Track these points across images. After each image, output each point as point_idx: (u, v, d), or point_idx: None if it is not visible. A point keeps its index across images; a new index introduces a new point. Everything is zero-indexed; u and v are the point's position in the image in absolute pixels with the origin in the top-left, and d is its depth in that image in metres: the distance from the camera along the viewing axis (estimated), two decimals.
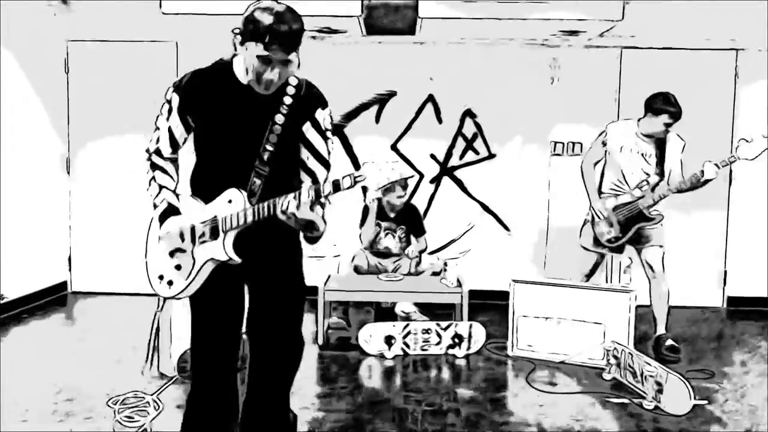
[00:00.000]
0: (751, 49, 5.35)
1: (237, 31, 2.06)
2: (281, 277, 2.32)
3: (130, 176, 5.44)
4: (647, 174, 4.13)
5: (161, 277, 2.27)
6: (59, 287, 5.54)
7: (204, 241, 2.18)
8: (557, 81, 5.46)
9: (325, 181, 2.04)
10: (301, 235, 2.26)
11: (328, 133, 2.26)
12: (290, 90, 2.16)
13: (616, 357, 3.68)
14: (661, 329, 4.17)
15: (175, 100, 2.20)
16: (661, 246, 4.15)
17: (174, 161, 2.33)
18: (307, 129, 2.15)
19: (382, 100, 5.55)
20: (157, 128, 2.27)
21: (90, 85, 5.49)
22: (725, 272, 5.53)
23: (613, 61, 5.39)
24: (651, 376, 3.30)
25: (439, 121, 5.57)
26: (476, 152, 5.60)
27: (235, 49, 2.11)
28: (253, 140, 2.15)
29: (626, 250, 4.27)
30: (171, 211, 2.24)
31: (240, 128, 2.16)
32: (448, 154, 5.61)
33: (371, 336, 4.07)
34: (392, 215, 4.86)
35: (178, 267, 2.23)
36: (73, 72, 5.53)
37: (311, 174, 2.24)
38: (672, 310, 4.23)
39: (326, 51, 5.34)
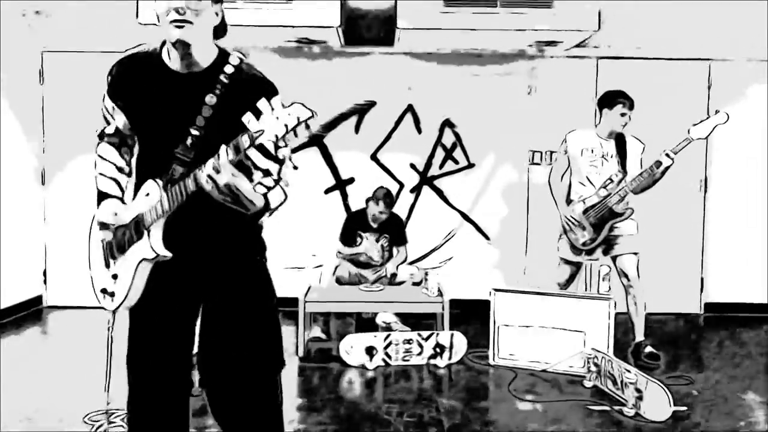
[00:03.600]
0: (724, 60, 5.45)
1: None
2: (244, 294, 2.03)
3: None
4: (610, 173, 4.19)
5: (104, 291, 2.04)
6: (34, 301, 5.45)
7: (133, 242, 1.95)
8: (535, 91, 5.51)
9: (241, 137, 1.68)
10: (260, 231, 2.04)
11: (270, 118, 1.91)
12: (223, 76, 1.90)
13: (596, 364, 3.70)
14: (639, 336, 4.20)
15: (108, 82, 2.06)
16: (635, 253, 4.19)
17: (118, 146, 2.14)
18: (248, 119, 1.71)
19: (361, 110, 5.56)
20: (102, 112, 2.14)
21: (65, 95, 5.42)
22: (702, 279, 5.60)
23: (590, 70, 5.46)
24: (631, 383, 3.32)
25: (419, 131, 5.59)
26: (455, 162, 5.62)
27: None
28: (180, 127, 1.90)
29: (602, 259, 4.31)
30: (102, 197, 2.08)
31: (166, 115, 1.92)
32: (428, 164, 5.63)
33: (352, 347, 4.05)
34: (375, 226, 4.85)
35: (115, 276, 2.00)
36: (48, 83, 5.47)
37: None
38: (650, 316, 4.27)
39: (305, 61, 5.34)
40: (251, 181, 1.76)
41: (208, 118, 1.88)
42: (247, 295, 2.03)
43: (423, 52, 5.44)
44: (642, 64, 5.41)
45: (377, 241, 4.87)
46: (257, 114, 1.68)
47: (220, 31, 1.96)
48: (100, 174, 2.13)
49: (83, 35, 5.23)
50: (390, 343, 4.07)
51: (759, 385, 3.83)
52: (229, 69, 1.91)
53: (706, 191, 5.54)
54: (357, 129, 5.57)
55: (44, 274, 5.56)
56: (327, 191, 5.58)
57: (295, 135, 1.60)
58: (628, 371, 3.40)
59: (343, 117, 5.54)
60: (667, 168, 3.95)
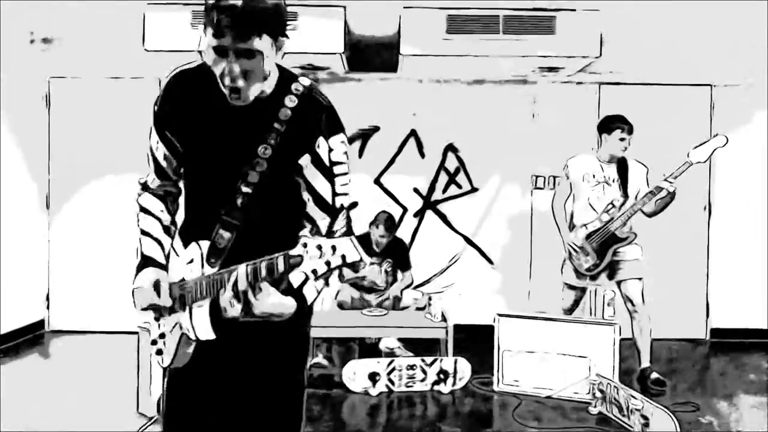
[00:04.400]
0: (725, 85, 5.48)
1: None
2: (279, 392, 1.77)
3: (110, 212, 5.44)
4: (612, 198, 4.19)
5: (154, 343, 1.73)
6: (36, 326, 5.43)
7: (176, 310, 1.67)
8: (537, 116, 5.54)
9: (261, 262, 1.44)
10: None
11: (336, 168, 1.65)
12: (284, 112, 1.59)
13: (601, 391, 3.66)
14: (645, 362, 4.16)
15: (155, 112, 1.71)
16: (640, 279, 4.17)
17: (163, 197, 1.78)
18: (306, 163, 1.55)
19: (365, 135, 5.59)
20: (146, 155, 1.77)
21: (71, 121, 5.48)
22: (708, 304, 5.56)
23: (592, 96, 5.50)
24: (637, 409, 3.29)
25: (422, 155, 5.61)
26: (459, 186, 5.63)
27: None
28: (229, 175, 1.59)
29: (607, 284, 4.29)
30: (146, 263, 1.70)
31: (219, 153, 1.61)
32: (431, 189, 5.64)
33: (355, 373, 4.01)
34: (378, 250, 4.85)
35: (162, 336, 1.71)
36: (54, 108, 5.52)
37: (311, 222, 1.64)
38: (656, 342, 4.24)
39: None
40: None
41: (265, 170, 1.58)
42: (281, 369, 1.77)
43: (426, 77, 5.48)
44: (644, 89, 5.44)
45: (380, 265, 4.86)
46: (315, 158, 1.55)
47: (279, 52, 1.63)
48: (146, 233, 1.75)
49: (90, 61, 5.29)
50: (393, 369, 4.04)
51: (764, 413, 3.78)
52: (291, 101, 1.62)
53: (710, 216, 5.53)
54: (360, 153, 5.59)
55: (47, 298, 5.55)
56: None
57: (338, 271, 1.41)
58: (634, 397, 3.36)
59: (347, 141, 5.55)
60: (672, 193, 3.95)
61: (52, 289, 5.56)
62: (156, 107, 1.71)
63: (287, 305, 1.54)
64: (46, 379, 4.39)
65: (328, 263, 1.36)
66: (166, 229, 1.77)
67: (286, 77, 1.65)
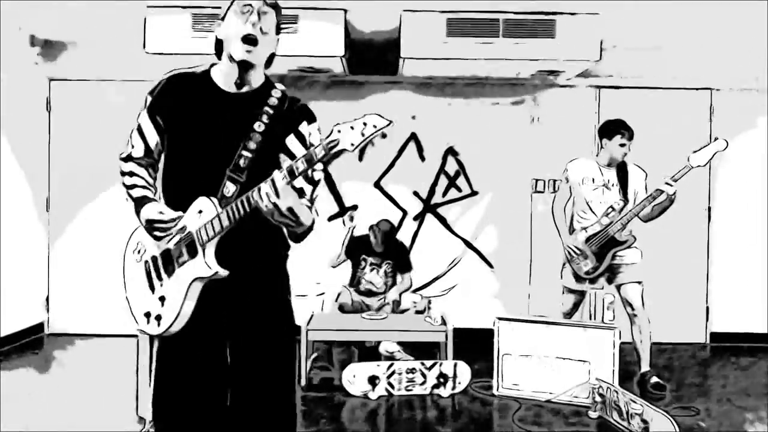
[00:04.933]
0: (725, 89, 5.48)
1: (220, 17, 2.01)
2: (270, 333, 2.04)
3: (110, 215, 5.44)
4: (612, 202, 4.19)
5: (148, 314, 1.98)
6: (36, 329, 5.43)
7: (184, 261, 1.93)
8: (537, 119, 5.54)
9: (297, 161, 1.75)
10: (288, 240, 2.02)
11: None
12: (272, 100, 1.99)
13: (601, 395, 3.65)
14: (645, 366, 4.16)
15: (148, 100, 2.04)
16: (639, 282, 4.17)
17: (146, 166, 2.10)
18: (291, 141, 1.94)
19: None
20: (130, 133, 2.10)
21: (72, 123, 5.48)
22: (707, 308, 5.56)
23: (592, 99, 5.50)
24: (636, 413, 3.28)
25: (422, 159, 5.61)
26: (459, 189, 5.63)
27: (218, 55, 2.04)
28: (229, 146, 1.95)
29: (607, 287, 4.29)
30: (142, 201, 2.01)
31: (214, 133, 1.96)
32: (431, 192, 5.64)
33: (355, 376, 4.01)
34: (379, 250, 4.84)
35: (162, 299, 1.95)
36: (55, 111, 5.52)
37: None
38: (656, 346, 4.23)
39: (309, 89, 5.39)
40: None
41: (259, 142, 1.95)
42: (272, 335, 2.05)
43: (426, 80, 5.49)
44: (643, 93, 5.44)
45: (380, 266, 4.86)
46: (300, 137, 1.92)
47: (270, 60, 2.05)
48: (134, 185, 2.07)
49: (91, 64, 5.30)
50: (393, 373, 4.04)
51: (765, 416, 3.77)
52: (276, 93, 2.00)
53: (710, 220, 5.53)
54: (361, 156, 5.59)
55: (47, 300, 5.55)
56: (330, 218, 5.58)
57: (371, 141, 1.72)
58: (634, 402, 3.36)
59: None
60: (672, 195, 3.95)
61: (51, 291, 5.56)
62: (152, 96, 2.04)
63: (306, 213, 1.83)
64: (45, 382, 4.39)
65: (330, 144, 1.72)
66: (151, 186, 2.09)
67: (267, 79, 2.06)
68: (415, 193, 5.64)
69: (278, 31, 2.02)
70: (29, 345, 5.18)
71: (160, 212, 1.96)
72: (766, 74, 5.09)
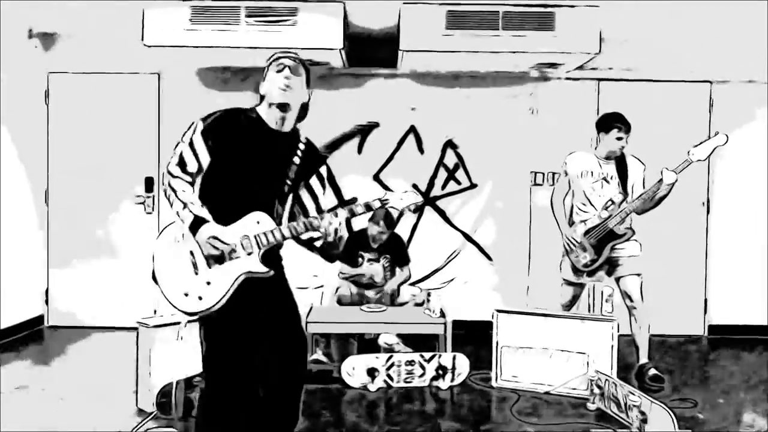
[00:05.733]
0: (725, 81, 5.47)
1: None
2: (293, 330, 2.60)
3: (109, 208, 5.45)
4: (611, 195, 4.20)
5: (187, 294, 2.38)
6: (35, 321, 5.43)
7: (237, 257, 2.37)
8: (537, 112, 5.53)
9: (349, 203, 2.51)
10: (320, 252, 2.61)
11: (326, 185, 2.66)
12: (301, 144, 2.54)
13: (599, 387, 3.67)
14: (643, 358, 4.17)
15: (200, 125, 2.42)
16: (638, 274, 4.18)
17: (191, 184, 2.45)
18: (313, 181, 2.59)
19: (364, 131, 5.58)
20: (181, 151, 2.43)
21: (70, 116, 5.47)
22: (706, 300, 5.57)
23: (591, 92, 5.49)
24: (635, 405, 3.29)
25: (421, 151, 5.60)
26: (458, 182, 5.63)
27: (261, 97, 2.48)
28: (273, 173, 2.48)
29: (605, 280, 4.30)
30: (201, 221, 2.37)
31: (261, 161, 2.45)
32: (430, 184, 5.64)
33: (354, 369, 4.02)
34: (375, 246, 4.85)
35: (208, 282, 2.37)
36: (54, 103, 5.51)
37: (306, 216, 2.60)
38: (654, 338, 4.25)
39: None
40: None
41: (295, 171, 2.52)
42: (291, 302, 2.63)
43: (425, 73, 5.48)
44: (643, 85, 5.43)
45: (378, 261, 4.86)
46: (319, 177, 2.61)
47: (302, 114, 2.52)
48: (192, 202, 2.40)
49: (89, 57, 5.28)
50: (392, 365, 4.05)
51: (763, 408, 3.79)
52: (302, 138, 2.56)
53: (708, 212, 5.54)
54: (360, 149, 5.59)
55: (46, 293, 5.55)
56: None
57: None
58: (632, 393, 3.37)
59: (345, 138, 5.56)
60: (671, 185, 3.95)
61: (51, 284, 5.56)
62: (204, 123, 2.43)
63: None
64: (44, 375, 4.39)
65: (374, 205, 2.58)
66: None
67: (296, 126, 2.56)
68: (415, 186, 5.62)
69: (308, 84, 2.51)
70: (28, 338, 5.19)
71: (218, 235, 2.37)
72: (765, 67, 5.08)
